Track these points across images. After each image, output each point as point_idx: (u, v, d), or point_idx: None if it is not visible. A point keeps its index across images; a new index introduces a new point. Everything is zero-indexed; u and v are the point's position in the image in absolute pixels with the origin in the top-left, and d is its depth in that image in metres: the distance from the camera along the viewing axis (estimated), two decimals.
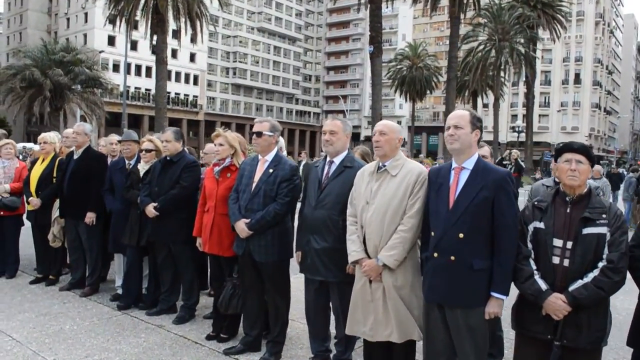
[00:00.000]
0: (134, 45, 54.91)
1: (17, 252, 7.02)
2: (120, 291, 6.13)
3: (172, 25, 29.15)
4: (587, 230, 3.05)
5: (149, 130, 55.82)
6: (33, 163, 6.78)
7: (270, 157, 4.50)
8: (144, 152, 5.72)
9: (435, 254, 3.32)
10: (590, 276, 3.00)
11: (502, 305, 3.26)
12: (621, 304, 5.60)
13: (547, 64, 71.40)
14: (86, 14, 62.95)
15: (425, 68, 59.16)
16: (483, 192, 3.22)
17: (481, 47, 44.57)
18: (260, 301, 4.64)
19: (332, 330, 4.48)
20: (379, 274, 3.63)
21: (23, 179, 6.68)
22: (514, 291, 3.28)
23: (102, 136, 9.40)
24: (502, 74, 44.93)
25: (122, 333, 5.02)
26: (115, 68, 58.07)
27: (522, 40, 43.53)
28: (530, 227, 3.25)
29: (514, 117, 70.42)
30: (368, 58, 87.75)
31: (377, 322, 3.68)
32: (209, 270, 6.28)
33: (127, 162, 6.09)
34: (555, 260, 3.12)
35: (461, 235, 3.22)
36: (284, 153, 4.80)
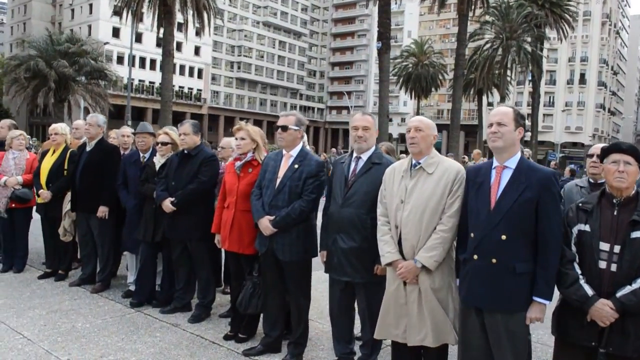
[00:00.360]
0: (138, 38, 54.76)
1: (26, 246, 6.87)
2: (132, 288, 5.97)
3: (177, 17, 28.92)
4: (636, 234, 2.91)
5: (152, 124, 55.76)
6: (43, 155, 6.61)
7: (295, 152, 4.34)
8: (159, 145, 5.55)
9: (475, 256, 3.16)
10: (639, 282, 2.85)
11: (545, 311, 3.11)
12: None
13: (552, 64, 70.98)
14: (91, 5, 62.72)
15: (430, 65, 58.81)
16: (527, 192, 3.06)
17: (488, 45, 44.24)
18: (281, 301, 4.49)
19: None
20: (416, 276, 3.48)
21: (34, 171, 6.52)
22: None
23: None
24: (508, 72, 44.63)
25: (137, 332, 4.86)
26: (120, 60, 57.88)
27: (529, 39, 43.21)
28: (575, 230, 3.11)
29: None
30: (373, 54, 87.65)
31: (411, 325, 3.54)
32: (222, 267, 6.18)
33: (141, 155, 5.92)
34: (602, 264, 2.98)
35: (503, 237, 3.07)
36: (308, 148, 4.62)
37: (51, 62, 30.58)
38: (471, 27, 36.32)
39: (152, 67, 64.57)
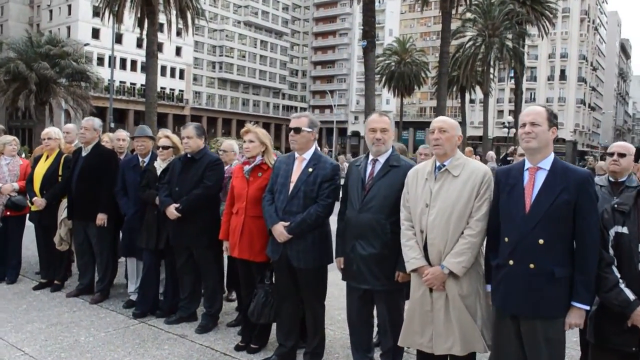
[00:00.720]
0: (118, 39, 53.86)
1: (19, 255, 6.61)
2: (133, 297, 5.76)
3: (160, 18, 28.49)
4: None
5: (134, 125, 55.03)
6: (36, 160, 6.35)
7: (308, 155, 4.18)
8: (160, 149, 5.35)
9: (511, 262, 3.03)
10: None
11: (584, 316, 2.99)
12: None
13: (533, 60, 71.63)
14: (70, 6, 61.71)
15: (413, 63, 58.94)
16: (564, 194, 2.94)
17: (470, 42, 44.44)
18: (296, 309, 4.32)
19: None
20: (443, 282, 3.35)
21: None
22: None
23: None
24: (490, 70, 44.91)
25: (143, 345, 4.65)
26: (100, 61, 57.01)
27: (510, 36, 43.50)
28: (612, 232, 3.01)
29: (500, 112, 70.80)
30: (355, 53, 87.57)
31: (437, 333, 3.41)
32: (224, 273, 5.99)
33: (140, 159, 5.71)
34: None
35: (541, 241, 2.94)
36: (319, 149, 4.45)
37: (31, 64, 29.94)
38: (453, 25, 36.35)
39: (133, 68, 63.85)
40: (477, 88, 50.12)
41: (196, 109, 72.48)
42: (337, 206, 4.12)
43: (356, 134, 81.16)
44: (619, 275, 2.92)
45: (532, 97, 73.16)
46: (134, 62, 63.50)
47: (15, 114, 35.37)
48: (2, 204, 6.29)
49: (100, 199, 5.73)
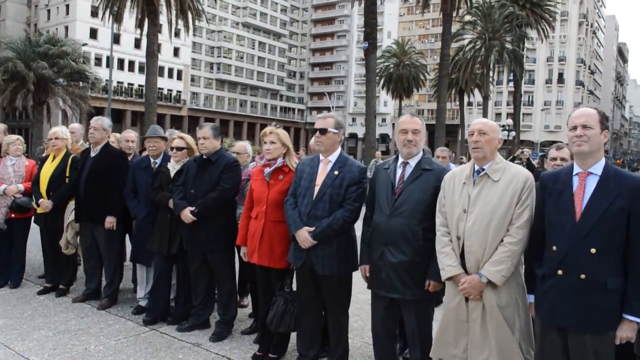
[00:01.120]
0: (116, 39, 53.54)
1: (24, 259, 6.40)
2: (142, 303, 5.56)
3: (161, 18, 28.26)
4: None
5: (132, 126, 54.73)
6: (42, 161, 6.14)
7: (334, 157, 3.99)
8: (174, 150, 5.14)
9: (560, 272, 2.85)
10: None
11: (636, 329, 2.81)
12: None
13: (531, 64, 71.65)
14: (67, 5, 61.33)
15: (412, 66, 58.86)
16: (618, 201, 2.77)
17: (470, 45, 44.37)
18: (318, 318, 4.15)
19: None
20: (480, 291, 3.17)
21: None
22: None
23: None
24: (490, 72, 44.86)
25: (157, 354, 4.45)
26: (98, 62, 56.65)
27: (510, 39, 43.43)
28: None
29: (498, 115, 70.71)
30: (353, 55, 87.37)
31: (473, 345, 3.25)
32: (236, 278, 5.79)
33: (152, 160, 5.51)
34: None
35: (593, 250, 2.77)
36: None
37: (30, 64, 29.66)
38: (453, 28, 36.23)
39: (131, 68, 63.54)
40: (476, 91, 50.06)
41: (194, 110, 72.19)
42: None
43: (353, 135, 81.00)
44: None
45: (530, 100, 73.25)
46: (131, 63, 63.18)
47: (13, 113, 35.01)
48: (7, 205, 6.07)
49: (110, 201, 5.53)
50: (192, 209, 4.68)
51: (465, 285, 3.21)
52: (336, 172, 3.92)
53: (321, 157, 4.03)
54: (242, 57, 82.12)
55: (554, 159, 4.39)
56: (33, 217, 6.25)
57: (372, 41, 26.84)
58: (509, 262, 3.13)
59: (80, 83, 33.36)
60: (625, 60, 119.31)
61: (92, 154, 5.68)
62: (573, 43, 72.61)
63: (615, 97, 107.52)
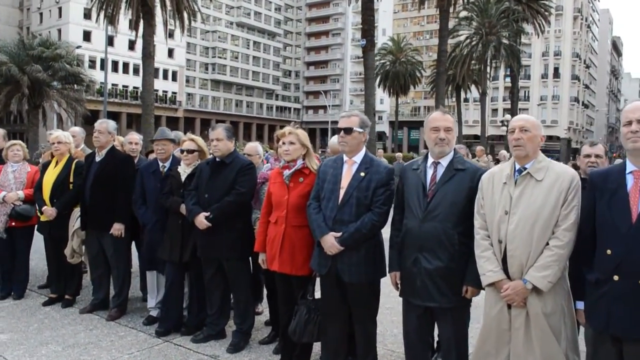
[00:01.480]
0: (110, 41, 53.17)
1: (27, 269, 6.16)
2: (153, 313, 5.34)
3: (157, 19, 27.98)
4: None
5: (127, 128, 54.37)
6: (45, 167, 5.91)
7: (359, 158, 3.77)
8: (185, 153, 4.92)
9: (616, 277, 2.65)
10: None
11: None
12: None
13: (526, 59, 71.49)
14: (60, 8, 60.89)
15: (408, 63, 58.69)
16: None
17: (467, 40, 44.25)
18: (344, 327, 3.92)
19: None
20: (524, 298, 2.96)
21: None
22: None
23: None
24: (487, 68, 44.80)
25: None
26: (92, 64, 56.28)
27: (507, 34, 43.35)
28: None
29: (494, 111, 70.59)
30: (348, 53, 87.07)
31: (515, 355, 3.06)
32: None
33: (160, 164, 5.29)
34: None
35: None
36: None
37: (24, 67, 29.35)
38: (449, 24, 36.08)
39: (125, 70, 63.19)
40: (473, 87, 49.95)
41: (189, 111, 71.86)
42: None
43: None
44: None
45: (526, 95, 73.10)
46: (126, 65, 62.82)
47: (7, 118, 34.64)
48: (6, 214, 5.83)
49: (117, 207, 5.30)
50: (207, 214, 4.46)
51: (508, 292, 3.01)
52: (362, 174, 3.70)
53: (345, 157, 3.81)
54: (236, 57, 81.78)
55: (588, 155, 4.21)
56: (36, 226, 6.00)
57: (370, 38, 26.64)
58: (555, 267, 2.92)
59: (75, 86, 33.03)
60: (619, 54, 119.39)
61: (97, 159, 5.45)
62: (568, 37, 72.50)
63: (610, 90, 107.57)
